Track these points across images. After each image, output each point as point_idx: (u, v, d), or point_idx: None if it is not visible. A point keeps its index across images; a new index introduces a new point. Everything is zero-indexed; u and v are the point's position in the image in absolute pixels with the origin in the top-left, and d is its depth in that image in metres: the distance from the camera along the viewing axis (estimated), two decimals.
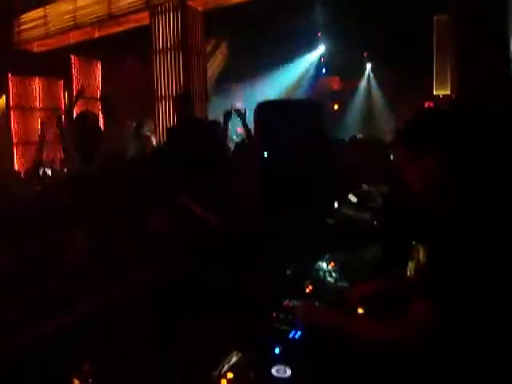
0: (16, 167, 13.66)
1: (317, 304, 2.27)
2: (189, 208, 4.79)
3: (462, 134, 1.79)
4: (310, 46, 16.87)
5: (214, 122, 6.20)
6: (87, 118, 6.60)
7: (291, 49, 14.67)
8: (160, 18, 11.51)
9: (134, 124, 8.35)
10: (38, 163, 7.40)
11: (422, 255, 2.65)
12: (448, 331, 1.66)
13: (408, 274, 2.68)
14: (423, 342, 1.72)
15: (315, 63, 18.05)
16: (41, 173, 11.44)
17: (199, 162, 5.85)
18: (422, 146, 1.80)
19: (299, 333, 2.05)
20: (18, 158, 14.03)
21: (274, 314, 2.22)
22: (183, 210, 4.84)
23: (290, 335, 2.05)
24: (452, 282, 1.63)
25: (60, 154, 12.33)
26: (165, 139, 9.50)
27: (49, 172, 11.35)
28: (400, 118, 14.20)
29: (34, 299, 3.05)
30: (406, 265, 2.73)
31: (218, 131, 5.73)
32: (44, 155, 14.20)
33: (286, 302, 2.34)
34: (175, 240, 4.60)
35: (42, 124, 6.78)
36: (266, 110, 4.91)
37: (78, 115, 6.42)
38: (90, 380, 1.76)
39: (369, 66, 17.92)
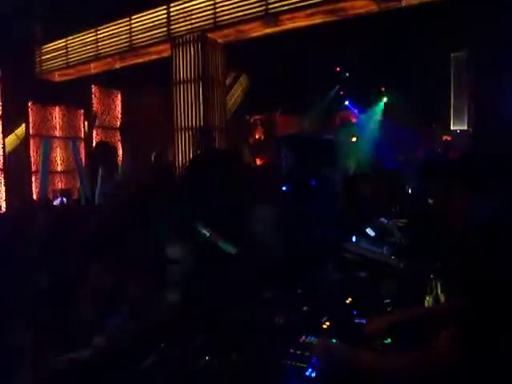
0: (34, 196, 13.67)
1: (334, 341, 2.16)
2: (208, 238, 4.77)
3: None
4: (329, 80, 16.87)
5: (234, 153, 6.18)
6: (105, 146, 6.61)
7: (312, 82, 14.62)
8: (180, 49, 11.61)
9: (154, 154, 8.36)
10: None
11: (440, 290, 2.80)
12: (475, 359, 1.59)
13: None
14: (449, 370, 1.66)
15: (332, 96, 18.04)
16: (58, 202, 11.50)
17: (219, 193, 5.82)
18: (473, 187, 1.73)
19: (316, 370, 1.98)
20: (36, 187, 14.02)
21: (291, 351, 2.15)
22: (202, 240, 4.81)
23: (307, 373, 1.98)
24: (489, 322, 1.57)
25: (77, 184, 12.42)
26: (184, 170, 9.47)
27: (65, 201, 11.35)
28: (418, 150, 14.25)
29: (48, 335, 3.11)
30: (424, 299, 2.79)
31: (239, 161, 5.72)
32: (62, 184, 14.33)
33: (302, 338, 2.29)
34: (192, 270, 4.58)
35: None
36: (287, 144, 4.91)
37: (96, 144, 6.42)
38: None
39: (384, 100, 17.91)
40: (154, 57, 12.78)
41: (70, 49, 14.00)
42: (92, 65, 13.79)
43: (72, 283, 4.25)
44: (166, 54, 12.11)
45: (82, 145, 14.93)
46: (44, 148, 4.87)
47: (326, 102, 17.69)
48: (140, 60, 13.09)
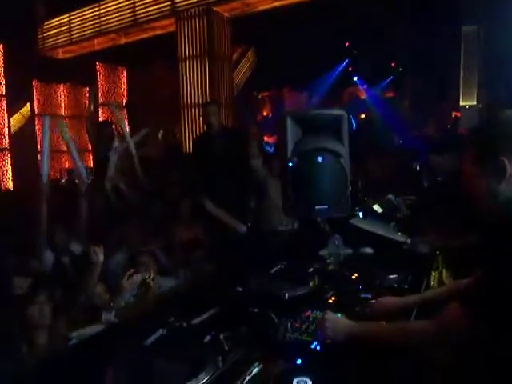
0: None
1: (339, 315, 2.18)
2: (215, 215, 4.77)
3: None
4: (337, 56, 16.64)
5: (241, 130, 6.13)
6: (107, 125, 6.51)
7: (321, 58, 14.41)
8: (185, 24, 11.34)
9: (161, 131, 8.23)
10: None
11: (445, 266, 2.97)
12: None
13: (432, 283, 2.82)
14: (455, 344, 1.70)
15: (341, 72, 17.83)
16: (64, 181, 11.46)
17: (227, 169, 5.72)
18: (496, 157, 1.65)
19: (321, 344, 2.01)
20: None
21: (296, 325, 2.19)
22: (210, 218, 4.80)
23: (312, 346, 2.02)
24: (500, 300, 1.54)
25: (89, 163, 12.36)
26: (191, 146, 9.34)
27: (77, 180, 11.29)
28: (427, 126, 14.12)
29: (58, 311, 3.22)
30: (429, 275, 2.89)
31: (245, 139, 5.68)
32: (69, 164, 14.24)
33: (308, 313, 2.33)
34: (202, 247, 4.58)
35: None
36: (293, 118, 4.80)
37: (99, 123, 6.29)
38: None
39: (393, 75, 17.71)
40: (159, 32, 12.53)
41: (73, 24, 13.75)
42: (96, 41, 13.58)
43: (78, 260, 4.23)
44: (171, 29, 11.84)
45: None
46: (43, 125, 4.78)
47: (335, 77, 17.49)
48: (145, 35, 12.85)
